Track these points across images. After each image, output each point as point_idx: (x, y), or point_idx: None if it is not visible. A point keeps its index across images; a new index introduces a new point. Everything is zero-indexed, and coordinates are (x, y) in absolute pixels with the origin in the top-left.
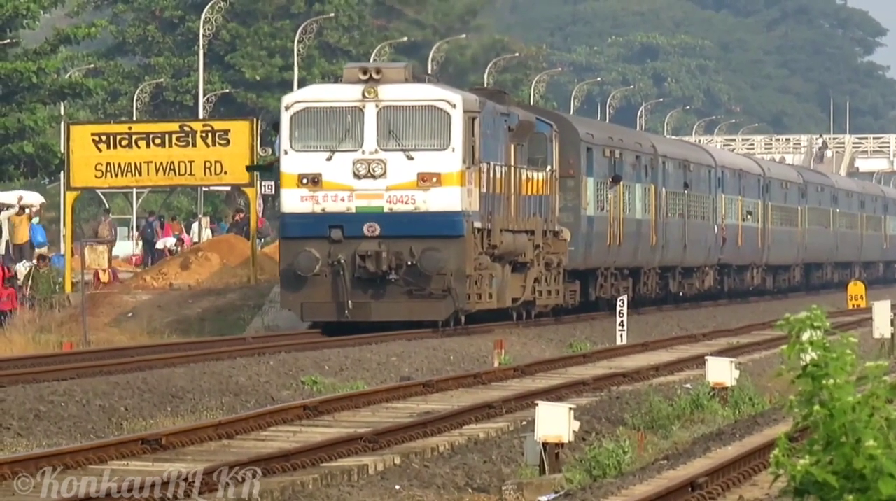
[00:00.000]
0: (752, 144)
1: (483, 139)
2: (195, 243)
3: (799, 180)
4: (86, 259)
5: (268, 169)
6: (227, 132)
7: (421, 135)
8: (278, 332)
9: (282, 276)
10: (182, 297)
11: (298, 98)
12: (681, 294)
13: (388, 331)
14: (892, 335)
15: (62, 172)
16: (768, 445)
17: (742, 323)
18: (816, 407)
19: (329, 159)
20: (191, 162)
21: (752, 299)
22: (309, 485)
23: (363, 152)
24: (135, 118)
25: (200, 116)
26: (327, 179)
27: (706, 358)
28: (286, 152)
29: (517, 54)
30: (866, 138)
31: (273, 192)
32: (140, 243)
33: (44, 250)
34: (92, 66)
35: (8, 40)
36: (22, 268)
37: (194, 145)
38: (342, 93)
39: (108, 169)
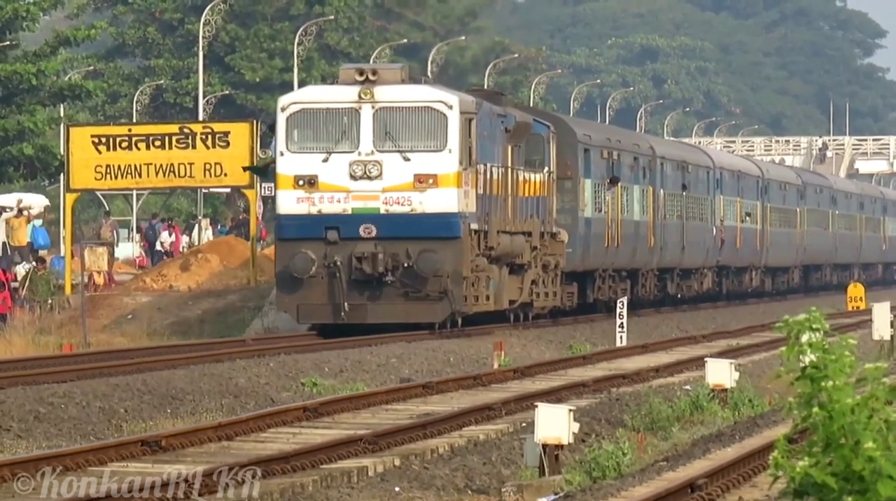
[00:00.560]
0: (752, 146)
1: (480, 140)
2: (194, 246)
3: (798, 182)
4: (85, 261)
5: (264, 170)
6: (226, 134)
7: (417, 137)
8: (278, 334)
9: (278, 278)
10: (182, 299)
11: (294, 99)
12: (679, 296)
13: (384, 333)
14: (892, 337)
15: (62, 174)
16: (768, 447)
17: (741, 325)
18: (816, 409)
19: (325, 161)
20: (190, 164)
21: (751, 301)
22: (309, 487)
23: (359, 153)
24: (134, 120)
25: (200, 118)
26: (323, 181)
27: (706, 359)
28: (282, 153)
29: (517, 56)
30: (866, 140)
31: (273, 194)
32: (141, 245)
33: (43, 253)
34: (91, 67)
35: (7, 42)
36: (22, 271)
37: (194, 147)
38: (338, 95)
39: (108, 171)
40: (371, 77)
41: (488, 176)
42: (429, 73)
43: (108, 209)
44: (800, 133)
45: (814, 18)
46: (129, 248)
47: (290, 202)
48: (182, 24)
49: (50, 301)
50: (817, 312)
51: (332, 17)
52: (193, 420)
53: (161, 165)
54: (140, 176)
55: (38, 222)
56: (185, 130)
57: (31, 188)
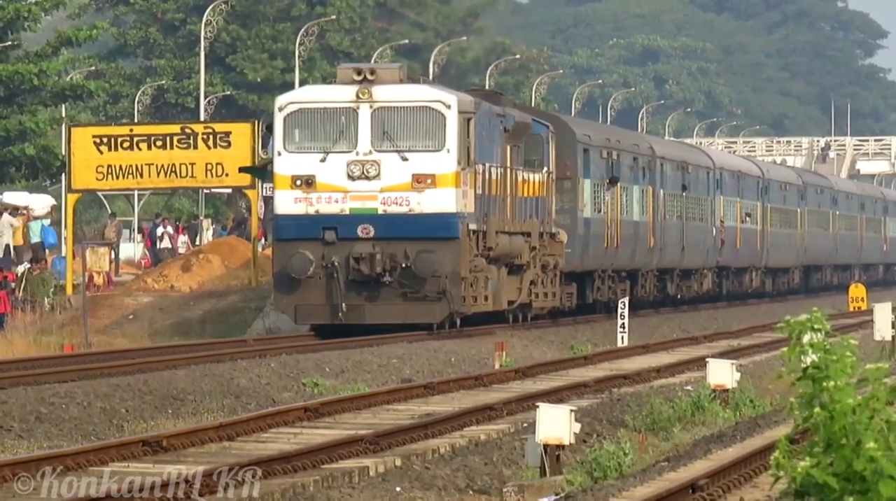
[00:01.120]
0: (754, 147)
1: (478, 140)
2: (196, 246)
3: (798, 182)
4: (87, 261)
5: (261, 171)
6: (228, 134)
7: (415, 137)
8: (279, 334)
9: (275, 278)
10: (183, 299)
11: (292, 99)
12: (679, 296)
13: (382, 334)
14: (893, 337)
15: (63, 174)
16: (769, 447)
17: (742, 326)
18: (817, 410)
19: (323, 160)
20: (192, 164)
21: (751, 302)
22: (310, 487)
23: (357, 153)
24: (136, 120)
25: (202, 118)
26: (321, 181)
27: (707, 360)
28: (280, 153)
29: (518, 56)
30: (867, 140)
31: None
32: (144, 245)
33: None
34: (93, 68)
35: (9, 42)
36: (22, 270)
37: (195, 147)
38: (336, 94)
39: (110, 171)
40: (369, 76)
41: (487, 176)
42: (430, 74)
43: (112, 211)
44: (801, 134)
45: (815, 19)
46: (131, 249)
47: (287, 202)
48: (184, 25)
49: (47, 301)
50: (819, 313)
51: (333, 17)
52: (195, 421)
53: (162, 165)
54: (141, 176)
55: (47, 222)
56: (187, 131)
57: (32, 188)
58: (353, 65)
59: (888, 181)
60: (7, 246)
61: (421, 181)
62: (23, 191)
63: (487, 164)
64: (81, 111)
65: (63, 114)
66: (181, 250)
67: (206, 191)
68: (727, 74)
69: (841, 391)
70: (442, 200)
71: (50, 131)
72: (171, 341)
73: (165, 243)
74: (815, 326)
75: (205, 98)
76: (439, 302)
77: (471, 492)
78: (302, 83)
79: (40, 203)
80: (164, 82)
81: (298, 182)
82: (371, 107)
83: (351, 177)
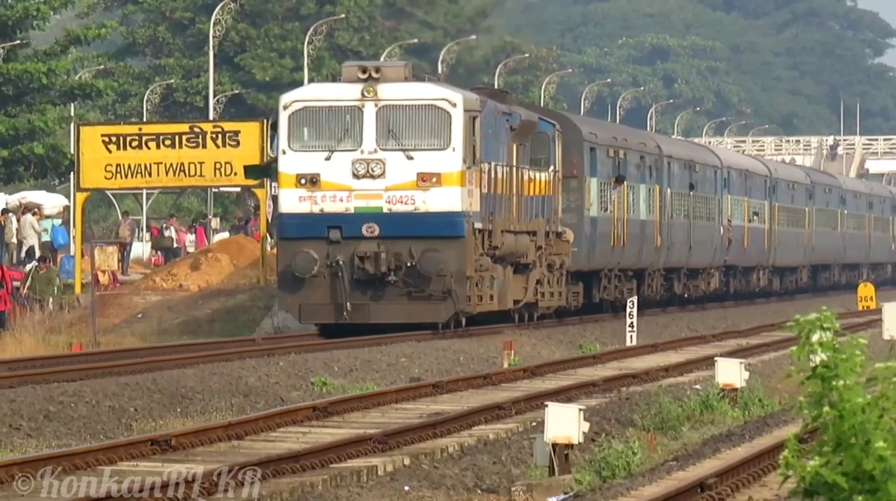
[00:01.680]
0: (763, 146)
1: (484, 139)
2: (206, 245)
3: (806, 181)
4: (96, 260)
5: (265, 170)
6: (237, 133)
7: (421, 135)
8: (288, 333)
9: (280, 277)
10: (192, 298)
11: (297, 97)
12: (686, 296)
13: (387, 334)
14: None
15: (72, 173)
16: (778, 446)
17: (751, 325)
18: (826, 409)
19: (328, 159)
20: (201, 163)
21: (759, 301)
22: (318, 486)
23: (362, 152)
24: (145, 119)
25: (210, 117)
26: (326, 179)
27: (716, 359)
28: (284, 152)
29: (527, 55)
30: (877, 139)
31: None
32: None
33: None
34: (102, 66)
35: (18, 41)
36: (29, 268)
37: (204, 146)
38: (341, 92)
39: (118, 170)
40: (374, 74)
41: (493, 174)
42: (439, 73)
43: (125, 209)
44: (811, 133)
45: (825, 18)
46: (140, 248)
47: (292, 201)
48: (192, 24)
49: (52, 300)
50: (828, 312)
51: (342, 16)
52: (203, 420)
53: (171, 164)
54: (150, 175)
55: (58, 222)
56: (196, 129)
57: (40, 187)
58: (359, 62)
59: None
60: (31, 247)
61: (426, 180)
62: (41, 191)
63: (493, 163)
64: (90, 110)
65: (72, 113)
66: (190, 249)
67: (214, 190)
68: (736, 73)
69: (850, 390)
70: (447, 199)
71: (59, 130)
72: (180, 340)
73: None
74: (825, 325)
75: (214, 97)
76: (444, 302)
77: (479, 491)
78: (311, 82)
79: (52, 202)
80: (172, 81)
81: (303, 180)
82: (376, 105)
83: (356, 176)
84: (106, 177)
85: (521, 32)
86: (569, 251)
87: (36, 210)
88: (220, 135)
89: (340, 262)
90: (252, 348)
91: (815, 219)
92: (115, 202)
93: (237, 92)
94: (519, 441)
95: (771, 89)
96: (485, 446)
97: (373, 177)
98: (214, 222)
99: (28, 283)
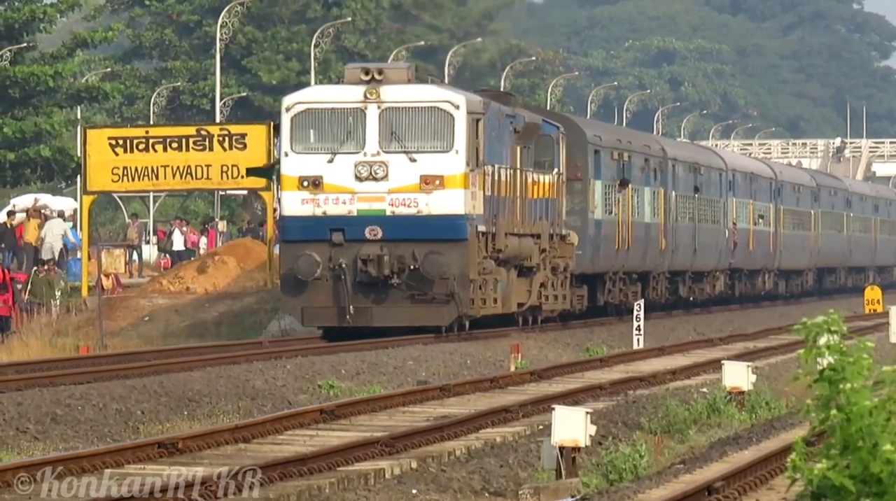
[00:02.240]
0: (769, 149)
1: (487, 141)
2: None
3: (812, 184)
4: (102, 263)
5: (268, 172)
6: (243, 136)
7: (423, 137)
8: (295, 336)
9: (282, 280)
10: (198, 301)
11: (299, 99)
12: (691, 299)
13: (390, 337)
14: None
15: (79, 176)
16: (785, 449)
17: (757, 328)
18: (833, 412)
19: (330, 161)
20: (208, 166)
21: (764, 304)
22: (325, 489)
23: (365, 154)
24: (151, 122)
25: (217, 120)
26: (328, 182)
27: (723, 362)
28: (286, 154)
29: (534, 58)
30: (883, 142)
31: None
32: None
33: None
34: (109, 69)
35: (25, 44)
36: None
37: (211, 149)
38: (344, 94)
39: (125, 173)
40: (377, 76)
41: (496, 177)
42: (445, 76)
43: (134, 211)
44: (817, 136)
45: (831, 21)
46: (147, 251)
47: (294, 203)
48: (199, 27)
49: (54, 303)
50: (835, 315)
51: (349, 19)
52: (210, 423)
53: (178, 167)
54: (157, 178)
55: (70, 224)
56: (203, 132)
57: (46, 190)
58: (361, 64)
59: None
60: (54, 249)
61: (429, 182)
62: (47, 195)
63: (497, 165)
64: (97, 113)
65: (78, 116)
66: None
67: (221, 192)
68: (743, 76)
69: (857, 393)
70: (450, 202)
71: (65, 133)
72: (187, 343)
73: (178, 246)
74: (832, 328)
75: (220, 100)
76: (448, 305)
77: (486, 494)
78: (317, 85)
79: (62, 205)
80: (179, 84)
81: (305, 183)
82: (379, 107)
83: (359, 178)
84: (113, 180)
85: (528, 35)
86: (573, 254)
87: (43, 212)
88: (226, 138)
89: (343, 265)
90: (259, 351)
91: (820, 221)
92: (121, 205)
93: (244, 95)
94: (526, 445)
95: (777, 92)
96: (492, 449)
97: (376, 179)
98: (221, 225)
99: (28, 288)
